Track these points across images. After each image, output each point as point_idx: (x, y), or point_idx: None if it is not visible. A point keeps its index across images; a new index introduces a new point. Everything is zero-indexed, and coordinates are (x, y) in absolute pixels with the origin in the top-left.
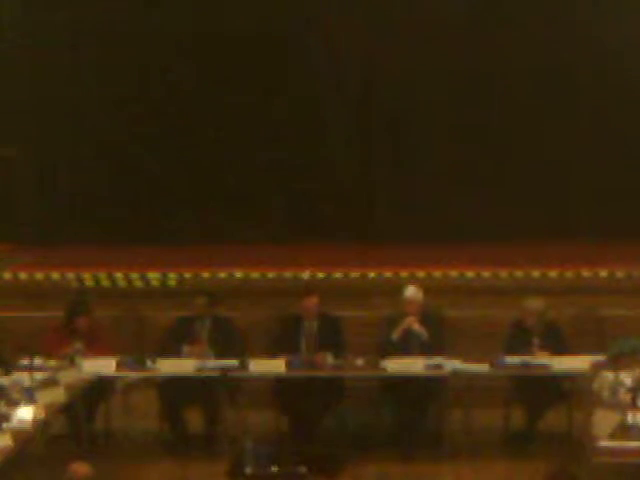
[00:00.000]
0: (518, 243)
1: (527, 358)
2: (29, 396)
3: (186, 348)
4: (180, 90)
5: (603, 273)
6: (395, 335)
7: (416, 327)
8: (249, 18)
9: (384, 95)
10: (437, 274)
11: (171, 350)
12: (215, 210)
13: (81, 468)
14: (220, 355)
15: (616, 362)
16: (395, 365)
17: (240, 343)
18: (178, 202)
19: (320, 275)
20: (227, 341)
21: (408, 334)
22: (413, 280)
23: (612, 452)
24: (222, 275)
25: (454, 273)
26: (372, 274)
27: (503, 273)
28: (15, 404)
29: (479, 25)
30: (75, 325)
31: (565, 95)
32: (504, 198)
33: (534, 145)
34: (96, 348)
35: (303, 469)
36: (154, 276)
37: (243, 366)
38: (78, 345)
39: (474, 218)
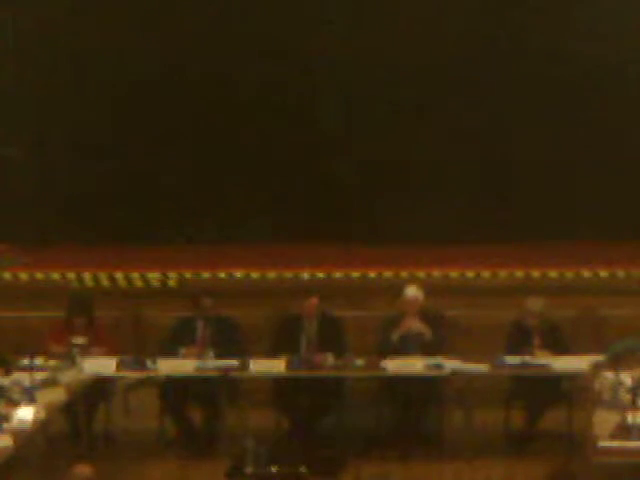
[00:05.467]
0: (518, 243)
1: (527, 358)
2: (29, 396)
3: (183, 350)
4: (181, 90)
5: (603, 273)
6: (395, 336)
7: (417, 326)
8: (249, 17)
9: (383, 96)
10: (437, 274)
11: (170, 351)
12: (215, 210)
13: (83, 469)
14: (221, 355)
15: (616, 362)
16: (395, 365)
17: (241, 343)
18: (178, 202)
19: (320, 275)
20: (228, 341)
21: (408, 334)
22: (413, 280)
23: (612, 452)
24: (222, 275)
25: (454, 273)
26: (372, 274)
27: (503, 273)
28: (15, 404)
29: (480, 26)
30: (76, 325)
31: (565, 95)
32: (504, 198)
33: (534, 145)
34: (97, 347)
35: (303, 469)
36: (154, 276)
37: (243, 366)
38: (80, 339)
39: (474, 218)
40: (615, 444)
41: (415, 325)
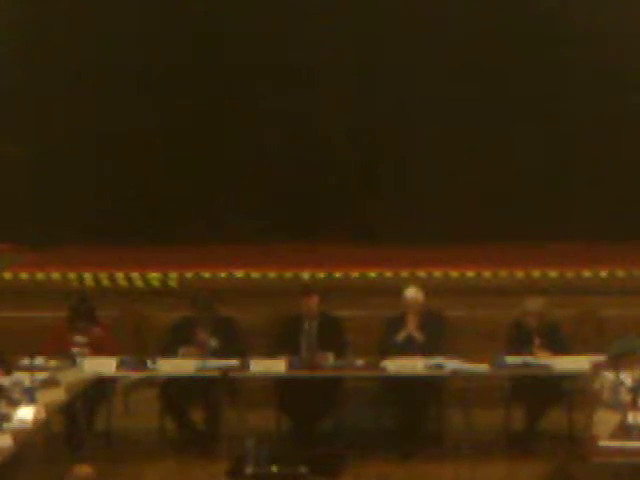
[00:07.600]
0: (518, 243)
1: (527, 358)
2: (29, 396)
3: (182, 349)
4: (181, 90)
5: (603, 273)
6: (401, 337)
7: (415, 334)
8: (249, 18)
9: (386, 95)
10: (437, 274)
11: (171, 351)
12: (215, 210)
13: (83, 469)
14: (221, 355)
15: (616, 362)
16: (395, 365)
17: (241, 343)
18: (178, 202)
19: (320, 275)
20: (228, 341)
21: (412, 335)
22: (413, 280)
23: (612, 452)
24: (222, 275)
25: (454, 273)
26: (372, 274)
27: (503, 273)
28: (15, 404)
29: (480, 24)
30: (78, 326)
31: (565, 95)
32: (504, 198)
33: (534, 145)
34: (98, 348)
35: (303, 469)
36: (154, 276)
37: (243, 366)
38: (81, 339)
39: (474, 218)
40: (615, 444)
41: (414, 332)
